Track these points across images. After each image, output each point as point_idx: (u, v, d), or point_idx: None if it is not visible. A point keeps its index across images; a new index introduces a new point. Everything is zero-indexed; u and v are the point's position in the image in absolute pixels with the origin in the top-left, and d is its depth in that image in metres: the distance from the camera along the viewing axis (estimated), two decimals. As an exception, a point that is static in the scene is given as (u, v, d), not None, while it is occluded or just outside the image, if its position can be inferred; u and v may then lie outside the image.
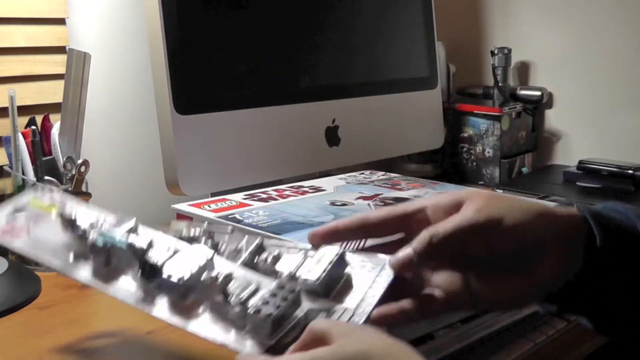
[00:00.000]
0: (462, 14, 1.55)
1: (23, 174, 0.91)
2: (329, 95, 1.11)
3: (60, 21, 1.04)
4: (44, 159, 0.93)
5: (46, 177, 0.92)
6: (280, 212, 0.80)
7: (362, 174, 1.02)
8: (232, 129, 0.98)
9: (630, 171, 1.22)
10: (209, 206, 0.82)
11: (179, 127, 0.91)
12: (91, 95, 0.96)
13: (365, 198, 0.87)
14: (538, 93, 1.42)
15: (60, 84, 0.94)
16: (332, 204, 0.84)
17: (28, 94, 1.00)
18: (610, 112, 1.39)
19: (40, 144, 0.92)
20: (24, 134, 0.92)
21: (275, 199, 0.86)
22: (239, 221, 0.76)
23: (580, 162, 1.27)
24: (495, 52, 1.42)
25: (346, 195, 0.89)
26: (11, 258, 0.93)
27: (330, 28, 1.12)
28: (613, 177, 1.22)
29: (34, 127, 0.92)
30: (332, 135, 1.11)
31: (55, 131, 0.94)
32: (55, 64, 1.03)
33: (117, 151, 1.15)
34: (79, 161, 0.92)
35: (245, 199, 0.86)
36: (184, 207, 0.82)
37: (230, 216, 0.78)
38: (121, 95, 1.15)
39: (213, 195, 0.93)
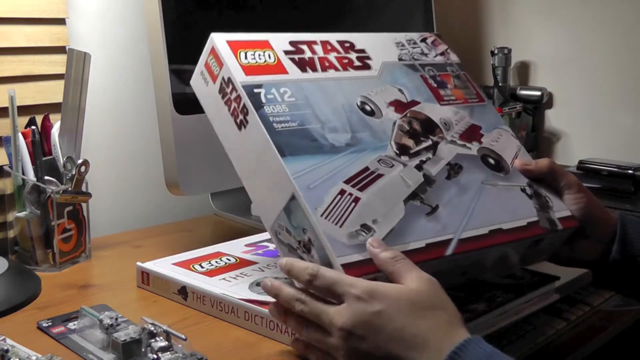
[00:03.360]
0: (462, 14, 1.55)
1: (23, 174, 0.91)
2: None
3: (60, 21, 1.04)
4: (44, 159, 0.93)
5: (46, 177, 0.92)
6: (304, 102, 0.74)
7: (424, 40, 0.89)
8: (232, 129, 0.98)
9: (630, 171, 1.22)
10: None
11: (179, 127, 0.91)
12: (91, 95, 0.96)
13: (397, 108, 0.79)
14: (538, 93, 1.42)
15: (60, 84, 0.94)
16: (362, 104, 0.77)
17: (28, 94, 1.00)
18: (610, 112, 1.38)
19: (40, 144, 0.92)
20: (24, 134, 0.92)
21: (315, 69, 0.78)
22: (261, 105, 0.71)
23: (580, 162, 1.27)
24: (495, 52, 1.42)
25: (384, 91, 0.80)
26: (11, 258, 0.93)
27: (330, 28, 1.12)
28: (613, 177, 1.22)
29: (34, 127, 0.92)
30: (332, 135, 1.11)
31: (55, 131, 0.94)
32: (55, 64, 1.03)
33: (117, 151, 1.15)
34: (79, 161, 0.92)
35: (288, 54, 0.78)
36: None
37: (256, 88, 0.72)
38: (121, 95, 1.15)
39: (213, 194, 0.93)
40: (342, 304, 0.62)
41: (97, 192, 0.97)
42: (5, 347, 0.65)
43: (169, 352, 0.65)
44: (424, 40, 0.89)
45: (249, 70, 0.73)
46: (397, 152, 0.74)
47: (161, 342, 0.66)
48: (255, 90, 0.72)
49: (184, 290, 0.80)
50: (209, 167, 0.95)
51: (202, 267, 0.83)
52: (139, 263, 0.85)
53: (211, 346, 0.70)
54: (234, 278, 0.80)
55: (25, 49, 1.00)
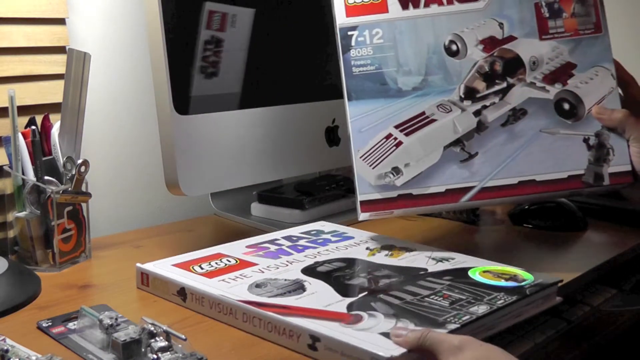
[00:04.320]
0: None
1: (23, 174, 0.91)
2: (329, 95, 1.11)
3: (60, 21, 1.04)
4: (44, 159, 0.93)
5: (46, 177, 0.92)
6: (390, 44, 0.81)
7: None
8: (232, 129, 0.98)
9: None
10: None
11: (179, 127, 0.91)
12: (91, 95, 0.96)
13: (487, 47, 0.82)
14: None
15: (60, 84, 0.94)
16: (450, 43, 0.82)
17: (28, 94, 1.00)
18: (611, 112, 1.38)
19: (40, 144, 0.92)
20: (24, 134, 0.92)
21: (417, 5, 0.82)
22: (348, 48, 0.81)
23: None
24: (496, 52, 1.42)
25: (481, 27, 0.83)
26: (11, 258, 0.93)
27: (330, 28, 1.12)
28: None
29: (34, 127, 0.92)
30: (332, 135, 1.11)
31: (55, 131, 0.94)
32: (55, 64, 1.03)
33: (117, 151, 1.15)
34: (79, 161, 0.92)
35: None
36: None
37: (350, 31, 0.83)
38: (121, 95, 1.15)
39: (213, 194, 0.93)
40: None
41: (97, 192, 0.97)
42: (5, 347, 0.65)
43: (169, 352, 0.65)
44: None
45: (351, 11, 0.83)
46: (462, 95, 0.79)
47: (161, 342, 0.66)
48: (349, 33, 0.83)
49: (183, 292, 0.80)
50: (209, 167, 0.95)
51: (202, 269, 0.83)
52: (138, 264, 0.85)
53: (211, 346, 0.70)
54: (233, 279, 0.80)
55: (25, 49, 1.00)
